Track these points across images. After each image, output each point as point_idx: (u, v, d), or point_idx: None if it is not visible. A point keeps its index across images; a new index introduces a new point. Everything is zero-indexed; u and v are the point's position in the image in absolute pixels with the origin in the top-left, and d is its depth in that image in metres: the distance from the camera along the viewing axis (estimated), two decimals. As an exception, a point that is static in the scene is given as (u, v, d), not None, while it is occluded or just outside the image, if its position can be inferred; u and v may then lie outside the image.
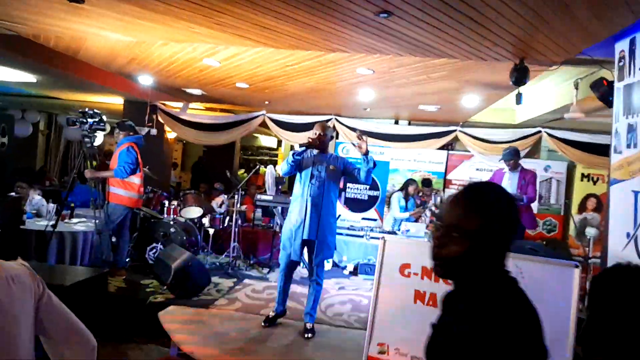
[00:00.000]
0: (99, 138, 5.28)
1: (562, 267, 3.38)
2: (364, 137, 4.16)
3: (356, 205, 8.44)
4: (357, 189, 8.45)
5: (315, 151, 4.16)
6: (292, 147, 13.61)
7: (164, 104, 8.88)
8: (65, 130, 11.48)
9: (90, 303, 3.49)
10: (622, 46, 3.68)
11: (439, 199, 7.59)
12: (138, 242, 6.14)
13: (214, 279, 5.65)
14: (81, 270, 4.40)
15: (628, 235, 3.44)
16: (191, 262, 5.00)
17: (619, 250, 3.57)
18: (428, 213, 7.45)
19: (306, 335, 4.16)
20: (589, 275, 5.34)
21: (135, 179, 5.52)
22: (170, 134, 9.63)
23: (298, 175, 4.26)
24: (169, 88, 7.26)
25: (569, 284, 3.32)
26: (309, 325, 4.24)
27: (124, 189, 5.45)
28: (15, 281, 1.34)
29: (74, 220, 5.64)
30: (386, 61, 4.63)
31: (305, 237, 4.11)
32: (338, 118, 8.62)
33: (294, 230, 4.17)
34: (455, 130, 8.24)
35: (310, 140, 4.10)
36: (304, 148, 4.13)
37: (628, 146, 3.56)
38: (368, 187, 8.40)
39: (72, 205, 5.78)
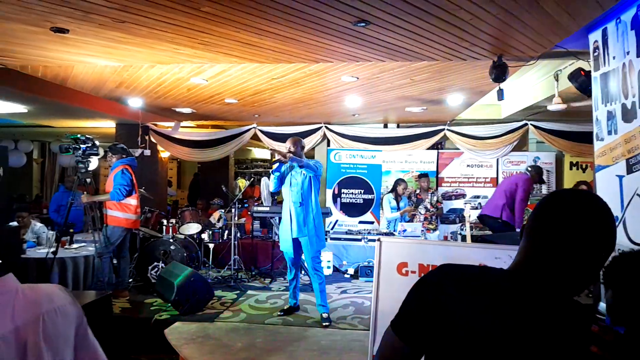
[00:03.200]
0: (94, 163, 5.34)
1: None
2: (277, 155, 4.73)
3: (352, 209, 8.52)
4: (352, 193, 8.54)
5: (290, 155, 4.65)
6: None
7: (155, 125, 8.97)
8: (59, 158, 11.54)
9: (96, 326, 3.53)
10: (595, 37, 3.81)
11: (435, 198, 7.67)
12: (139, 262, 6.19)
13: (217, 292, 5.70)
14: (85, 294, 4.44)
15: (616, 219, 3.55)
16: (193, 278, 5.06)
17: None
18: (422, 211, 7.54)
19: (324, 324, 4.68)
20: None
21: (132, 201, 5.59)
22: (164, 153, 9.71)
23: (283, 185, 4.91)
24: (159, 108, 7.35)
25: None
26: (324, 315, 4.78)
27: (121, 211, 5.51)
28: (60, 313, 1.27)
29: (74, 245, 5.69)
30: (369, 68, 4.74)
31: (294, 235, 4.78)
32: (328, 126, 8.74)
33: (285, 232, 4.84)
34: (443, 130, 8.38)
35: (281, 155, 4.64)
36: (278, 164, 4.75)
37: (609, 133, 3.67)
38: (362, 191, 8.50)
39: (72, 230, 5.83)
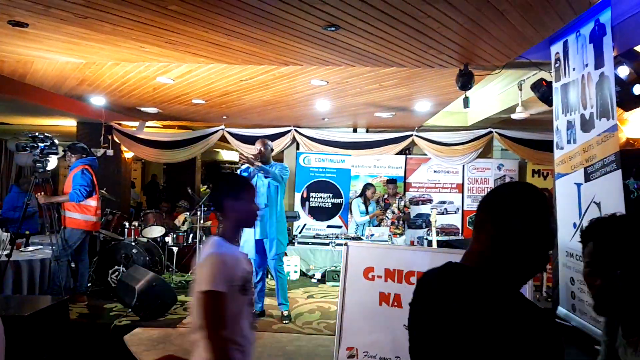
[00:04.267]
0: (52, 162, 5.13)
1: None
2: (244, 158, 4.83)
3: (320, 213, 8.52)
4: (321, 197, 8.54)
5: (258, 164, 4.75)
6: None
7: (119, 124, 8.72)
8: (15, 156, 11.05)
9: (52, 332, 3.39)
10: (556, 49, 3.94)
11: (402, 203, 7.75)
12: (99, 266, 5.99)
13: (181, 297, 5.57)
14: (40, 299, 4.25)
15: (574, 225, 3.67)
16: (155, 282, 4.93)
17: (567, 240, 3.79)
18: (390, 215, 7.60)
19: (284, 322, 4.83)
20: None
21: (92, 202, 5.40)
22: (128, 154, 9.45)
23: None
24: (124, 108, 7.15)
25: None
26: (285, 313, 4.93)
27: (80, 213, 5.32)
28: None
29: (30, 248, 5.45)
30: (338, 72, 4.75)
31: (257, 237, 4.85)
32: (297, 129, 8.71)
33: (248, 234, 4.85)
34: (411, 135, 8.50)
35: (250, 157, 4.76)
36: (246, 165, 4.78)
37: (568, 142, 3.80)
38: (331, 195, 8.52)
39: (28, 232, 5.58)
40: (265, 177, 4.78)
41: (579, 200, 3.59)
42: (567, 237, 3.77)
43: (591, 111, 3.39)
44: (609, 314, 1.41)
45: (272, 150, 5.10)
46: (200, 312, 1.64)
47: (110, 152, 8.18)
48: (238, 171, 4.96)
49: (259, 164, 4.72)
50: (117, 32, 3.63)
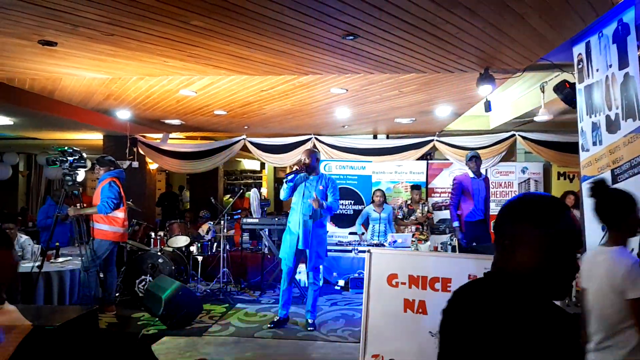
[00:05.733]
0: (81, 175, 5.28)
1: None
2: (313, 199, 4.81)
3: (342, 220, 8.51)
4: (342, 204, 8.53)
5: (300, 174, 4.84)
6: (275, 169, 13.71)
7: (143, 136, 8.92)
8: (45, 170, 11.39)
9: (82, 341, 3.47)
10: (579, 50, 3.88)
11: (426, 209, 7.69)
12: (126, 276, 6.10)
13: (206, 306, 5.64)
14: (70, 309, 4.35)
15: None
16: (181, 291, 5.00)
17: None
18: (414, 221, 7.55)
19: (309, 329, 4.83)
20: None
21: (119, 214, 5.53)
22: (152, 165, 9.64)
23: (295, 195, 4.97)
24: (148, 120, 7.32)
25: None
26: (310, 321, 4.94)
27: (108, 224, 5.45)
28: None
29: (60, 259, 5.60)
30: (358, 80, 4.77)
31: (300, 247, 4.84)
32: (317, 137, 8.76)
33: (290, 241, 4.90)
34: (432, 140, 8.45)
35: (297, 168, 4.84)
36: (292, 175, 4.84)
37: (594, 144, 3.73)
38: (352, 202, 8.51)
39: (58, 244, 5.74)
40: (321, 209, 4.86)
41: (606, 202, 3.51)
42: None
43: (616, 112, 3.33)
44: None
45: (319, 159, 5.10)
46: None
47: (135, 164, 8.37)
48: (284, 180, 4.96)
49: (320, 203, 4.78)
50: (142, 48, 3.74)
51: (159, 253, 6.21)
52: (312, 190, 4.82)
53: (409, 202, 7.82)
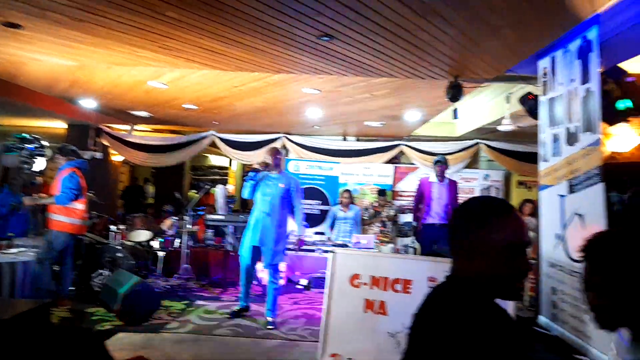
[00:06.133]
0: (40, 164, 5.08)
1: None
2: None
3: (308, 220, 8.51)
4: (309, 204, 8.55)
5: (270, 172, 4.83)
6: (244, 166, 13.59)
7: (109, 127, 8.67)
8: (2, 157, 10.89)
9: (33, 336, 3.34)
10: (544, 63, 4.03)
11: (392, 212, 7.80)
12: (83, 270, 5.89)
13: (165, 302, 5.52)
14: (21, 302, 4.20)
15: (557, 236, 3.74)
16: (140, 287, 4.88)
17: (550, 251, 3.86)
18: (379, 224, 7.65)
19: (269, 327, 4.77)
20: (528, 276, 5.66)
21: (79, 205, 5.33)
22: (117, 157, 9.38)
23: (256, 193, 4.96)
24: (114, 111, 7.12)
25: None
26: (270, 319, 4.87)
27: (66, 216, 5.25)
28: None
29: (13, 250, 5.37)
30: (331, 81, 4.80)
31: (255, 243, 4.85)
32: (288, 136, 8.75)
33: (247, 238, 4.91)
34: (400, 145, 8.59)
35: (259, 166, 4.82)
36: (253, 173, 4.82)
37: (554, 154, 3.88)
38: (320, 202, 8.55)
39: (12, 234, 5.50)
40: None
41: (562, 211, 3.66)
42: (550, 248, 3.84)
43: (577, 125, 3.47)
44: (609, 329, 1.39)
45: (281, 159, 5.08)
46: None
47: (99, 155, 8.12)
48: (244, 178, 5.05)
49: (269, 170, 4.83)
50: (112, 36, 3.64)
51: (119, 247, 6.05)
52: (274, 189, 4.87)
53: (375, 204, 7.93)
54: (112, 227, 6.58)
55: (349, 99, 5.61)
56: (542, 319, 3.91)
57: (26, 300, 4.50)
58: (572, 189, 3.51)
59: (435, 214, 6.02)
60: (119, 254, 5.94)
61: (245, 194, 4.97)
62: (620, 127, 4.07)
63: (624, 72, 3.48)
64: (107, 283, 5.13)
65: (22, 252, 5.32)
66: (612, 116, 3.57)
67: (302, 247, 7.09)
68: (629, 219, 3.59)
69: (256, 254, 4.92)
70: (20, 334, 3.20)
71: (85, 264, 5.94)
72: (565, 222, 3.59)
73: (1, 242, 5.10)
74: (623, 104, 3.49)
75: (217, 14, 3.09)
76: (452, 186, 6.01)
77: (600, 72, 3.25)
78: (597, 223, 3.10)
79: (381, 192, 7.99)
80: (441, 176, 6.03)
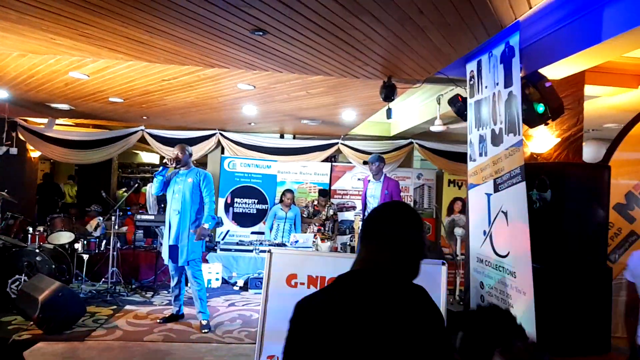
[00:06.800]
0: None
1: (432, 265, 3.71)
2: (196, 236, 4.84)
3: (245, 219, 8.39)
4: (245, 203, 8.42)
5: (180, 169, 4.83)
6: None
7: (25, 120, 8.03)
8: None
9: None
10: (471, 67, 4.19)
11: (331, 211, 7.84)
12: (-3, 276, 5.43)
13: (90, 308, 5.23)
14: None
15: (484, 233, 3.90)
16: (62, 292, 4.58)
17: (478, 246, 4.02)
18: (317, 223, 7.67)
19: (203, 331, 4.71)
20: (458, 270, 5.90)
21: (-10, 205, 4.91)
22: (34, 153, 8.71)
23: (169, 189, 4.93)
24: (31, 103, 6.58)
25: (438, 279, 3.66)
26: (204, 322, 4.82)
27: (-24, 217, 4.81)
28: None
29: None
30: (266, 77, 4.71)
31: (171, 242, 4.80)
32: (222, 132, 8.54)
33: (165, 238, 4.88)
34: (337, 143, 8.66)
35: (167, 161, 4.76)
36: (162, 168, 4.81)
37: (480, 154, 4.04)
38: (256, 201, 8.43)
39: None
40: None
41: (488, 209, 3.82)
42: (478, 244, 4.00)
43: (500, 127, 3.63)
44: None
45: (190, 155, 5.00)
46: None
47: (13, 150, 7.50)
48: (154, 175, 4.91)
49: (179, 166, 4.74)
50: (24, 21, 3.33)
51: (38, 250, 5.63)
52: (182, 185, 4.81)
53: (315, 202, 7.94)
54: (30, 229, 6.11)
55: (285, 96, 5.55)
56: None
57: None
58: (497, 187, 3.67)
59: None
60: (38, 258, 5.55)
61: (154, 190, 4.93)
62: (540, 129, 4.31)
63: (543, 77, 3.68)
64: (25, 289, 4.79)
65: None
66: (532, 119, 3.78)
67: (209, 245, 6.96)
68: (550, 215, 3.82)
69: (175, 253, 4.83)
70: None
71: (0, 270, 5.47)
72: (491, 219, 3.75)
73: None
74: (541, 108, 3.70)
75: (142, 1, 2.91)
76: (388, 184, 6.09)
77: (521, 77, 3.42)
78: (520, 220, 3.27)
79: (323, 193, 8.02)
80: (376, 174, 6.11)
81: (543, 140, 4.48)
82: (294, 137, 9.17)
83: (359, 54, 3.88)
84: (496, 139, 3.71)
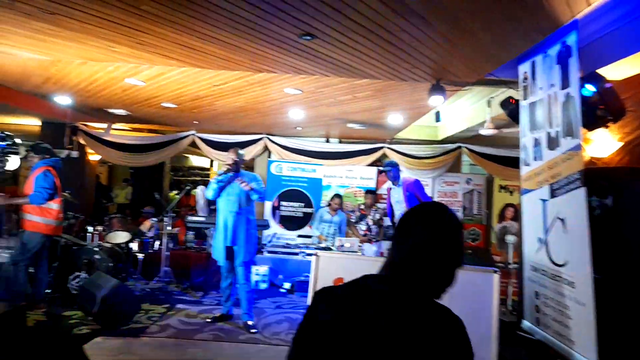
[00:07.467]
0: (13, 162, 4.93)
1: (483, 273, 3.60)
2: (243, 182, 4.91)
3: (291, 223, 8.46)
4: (292, 206, 8.49)
5: (230, 173, 4.91)
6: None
7: (85, 125, 8.48)
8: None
9: (7, 339, 3.23)
10: (525, 68, 4.04)
11: (377, 215, 7.76)
12: (59, 272, 5.75)
13: (145, 305, 5.41)
14: (-6, 305, 4.06)
15: (540, 240, 3.75)
16: (119, 290, 4.78)
17: (532, 254, 3.86)
18: (363, 227, 7.61)
19: (251, 331, 4.77)
20: (510, 280, 5.69)
21: (54, 205, 5.20)
22: (94, 156, 9.18)
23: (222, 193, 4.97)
24: (90, 108, 6.95)
25: (489, 288, 3.54)
26: (249, 322, 4.89)
27: (41, 216, 5.11)
28: None
29: (-15, 251, 5.20)
30: (313, 81, 4.75)
31: (228, 244, 4.87)
32: (269, 137, 8.67)
33: (219, 240, 4.93)
34: (383, 147, 8.58)
35: (229, 166, 4.86)
36: (224, 174, 4.87)
37: (535, 159, 3.89)
38: (302, 204, 8.48)
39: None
40: (260, 198, 4.96)
41: (544, 215, 3.66)
42: (532, 252, 3.84)
43: (557, 130, 3.48)
44: None
45: (243, 160, 5.13)
46: None
47: (74, 153, 7.93)
48: (212, 180, 4.96)
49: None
50: (85, 29, 3.53)
51: (97, 248, 5.91)
52: (237, 188, 4.87)
53: (361, 206, 7.89)
54: (89, 228, 6.43)
55: (331, 100, 5.57)
56: (526, 324, 3.92)
57: (0, 303, 4.37)
58: (553, 193, 3.52)
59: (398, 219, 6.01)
60: (97, 256, 5.81)
61: (211, 194, 4.96)
62: (599, 132, 4.10)
63: (602, 78, 3.50)
64: (85, 286, 5.02)
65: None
66: (591, 122, 3.59)
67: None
68: (611, 223, 3.62)
69: (231, 254, 4.91)
70: (-5, 337, 3.08)
71: (62, 266, 5.78)
72: (547, 226, 3.60)
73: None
74: (602, 111, 3.51)
75: (193, 8, 3.01)
76: (407, 185, 5.94)
77: (579, 78, 3.26)
78: (579, 227, 3.11)
79: (369, 191, 7.97)
80: (395, 180, 6.02)
81: (603, 144, 4.25)
82: (340, 141, 9.18)
83: (407, 57, 3.83)
84: (552, 143, 3.56)
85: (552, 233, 3.50)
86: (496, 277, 3.50)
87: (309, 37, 3.43)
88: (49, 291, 5.55)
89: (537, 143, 3.85)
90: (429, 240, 1.20)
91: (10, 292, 4.92)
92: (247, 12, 3.04)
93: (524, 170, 4.05)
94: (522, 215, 4.11)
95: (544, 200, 3.67)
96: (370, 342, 1.09)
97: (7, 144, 4.78)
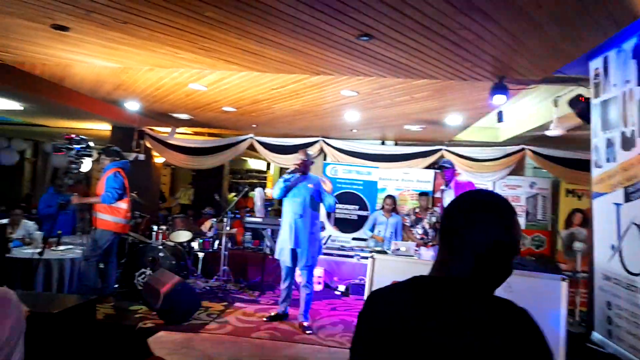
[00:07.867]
0: (87, 164, 5.26)
1: (550, 280, 3.43)
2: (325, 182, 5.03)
3: (346, 225, 8.44)
4: (347, 209, 8.48)
5: (297, 174, 4.90)
6: (281, 170, 13.69)
7: (151, 129, 8.91)
8: (51, 157, 11.42)
9: (79, 331, 3.44)
10: (596, 64, 3.81)
11: (433, 219, 7.59)
12: (126, 268, 6.06)
13: (204, 303, 5.58)
14: (69, 297, 4.33)
15: (613, 247, 3.51)
16: (180, 287, 4.95)
17: (604, 262, 3.63)
18: (419, 230, 7.47)
19: (307, 332, 4.78)
20: (578, 289, 5.37)
21: (122, 205, 5.49)
22: (159, 159, 9.63)
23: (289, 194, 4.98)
24: (156, 113, 7.31)
25: (556, 296, 3.36)
26: (305, 324, 4.92)
27: (111, 215, 5.42)
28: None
29: (61, 247, 5.57)
30: (370, 83, 4.72)
31: (292, 246, 4.88)
32: (325, 140, 8.71)
33: (284, 242, 4.95)
34: (441, 149, 8.36)
35: (297, 166, 4.86)
36: (292, 174, 4.88)
37: (607, 160, 3.66)
38: (357, 207, 8.45)
39: (60, 232, 5.72)
40: (330, 203, 4.98)
41: (618, 220, 3.43)
42: (604, 260, 3.61)
43: (633, 129, 3.25)
44: None
45: (312, 162, 5.20)
46: None
47: (142, 156, 8.35)
48: (280, 179, 5.01)
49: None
50: (153, 37, 3.71)
51: (160, 247, 6.17)
52: (303, 190, 4.89)
53: (417, 210, 7.74)
54: (154, 227, 6.74)
55: (388, 101, 5.51)
56: (596, 336, 3.68)
57: (73, 296, 4.65)
58: (628, 197, 3.29)
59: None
60: (161, 254, 6.06)
61: (277, 194, 4.99)
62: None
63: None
64: (149, 282, 5.23)
65: (69, 250, 5.53)
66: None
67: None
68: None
69: (295, 257, 4.95)
70: (67, 328, 3.29)
71: (129, 263, 6.10)
72: (621, 232, 3.36)
73: (50, 240, 5.30)
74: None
75: (254, 13, 3.08)
76: (458, 188, 5.74)
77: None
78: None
79: (423, 194, 7.81)
80: (447, 182, 5.83)
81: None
82: (396, 144, 9.06)
83: (468, 55, 3.72)
84: (628, 143, 3.32)
85: (627, 239, 3.27)
86: (564, 285, 3.32)
87: (366, 38, 3.42)
88: (116, 286, 5.88)
89: (610, 143, 3.62)
90: (484, 231, 1.07)
91: (82, 286, 5.24)
92: (305, 15, 3.08)
93: (596, 173, 3.82)
94: (592, 220, 3.86)
95: (617, 205, 3.44)
96: (435, 346, 1.01)
97: (82, 147, 5.08)
